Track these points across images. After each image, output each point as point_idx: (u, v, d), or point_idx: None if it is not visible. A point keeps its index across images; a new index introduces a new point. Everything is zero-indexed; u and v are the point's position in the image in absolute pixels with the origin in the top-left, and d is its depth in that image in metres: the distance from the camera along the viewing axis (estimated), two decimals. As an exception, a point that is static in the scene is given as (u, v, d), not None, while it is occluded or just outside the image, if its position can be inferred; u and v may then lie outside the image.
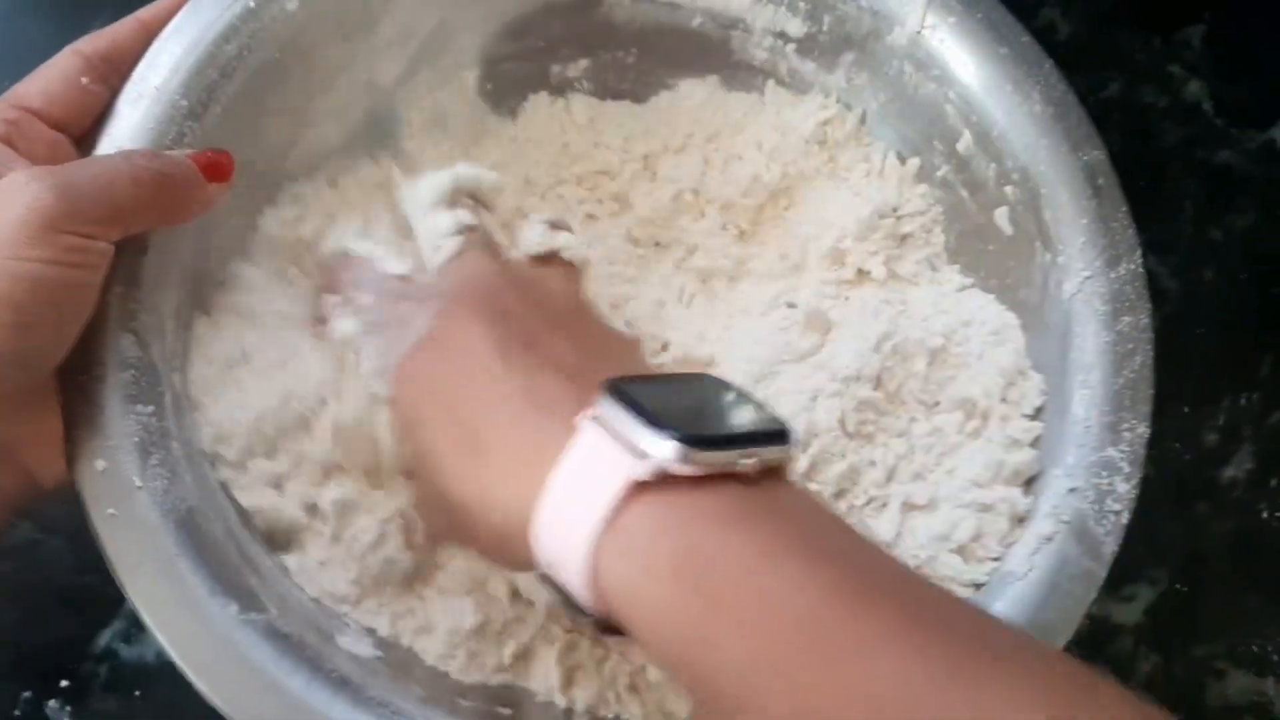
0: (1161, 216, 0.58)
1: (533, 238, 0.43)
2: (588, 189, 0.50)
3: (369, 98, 0.48)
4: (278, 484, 0.41)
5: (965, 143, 0.47)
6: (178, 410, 0.39)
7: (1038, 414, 0.44)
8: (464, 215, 0.42)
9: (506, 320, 0.37)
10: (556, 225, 0.44)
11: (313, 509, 0.41)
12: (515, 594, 0.41)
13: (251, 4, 0.43)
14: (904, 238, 0.49)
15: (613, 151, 0.50)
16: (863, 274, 0.48)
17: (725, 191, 0.49)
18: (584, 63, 0.52)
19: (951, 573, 0.42)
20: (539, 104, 0.51)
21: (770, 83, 0.51)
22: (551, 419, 0.33)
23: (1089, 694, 0.26)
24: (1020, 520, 0.42)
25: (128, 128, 0.40)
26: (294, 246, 0.45)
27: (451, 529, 0.39)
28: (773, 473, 0.31)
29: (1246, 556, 0.53)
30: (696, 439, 0.29)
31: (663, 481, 0.29)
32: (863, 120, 0.51)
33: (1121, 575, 0.51)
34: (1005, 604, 0.39)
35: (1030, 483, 0.43)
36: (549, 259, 0.43)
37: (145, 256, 0.40)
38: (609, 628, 0.31)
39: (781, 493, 0.31)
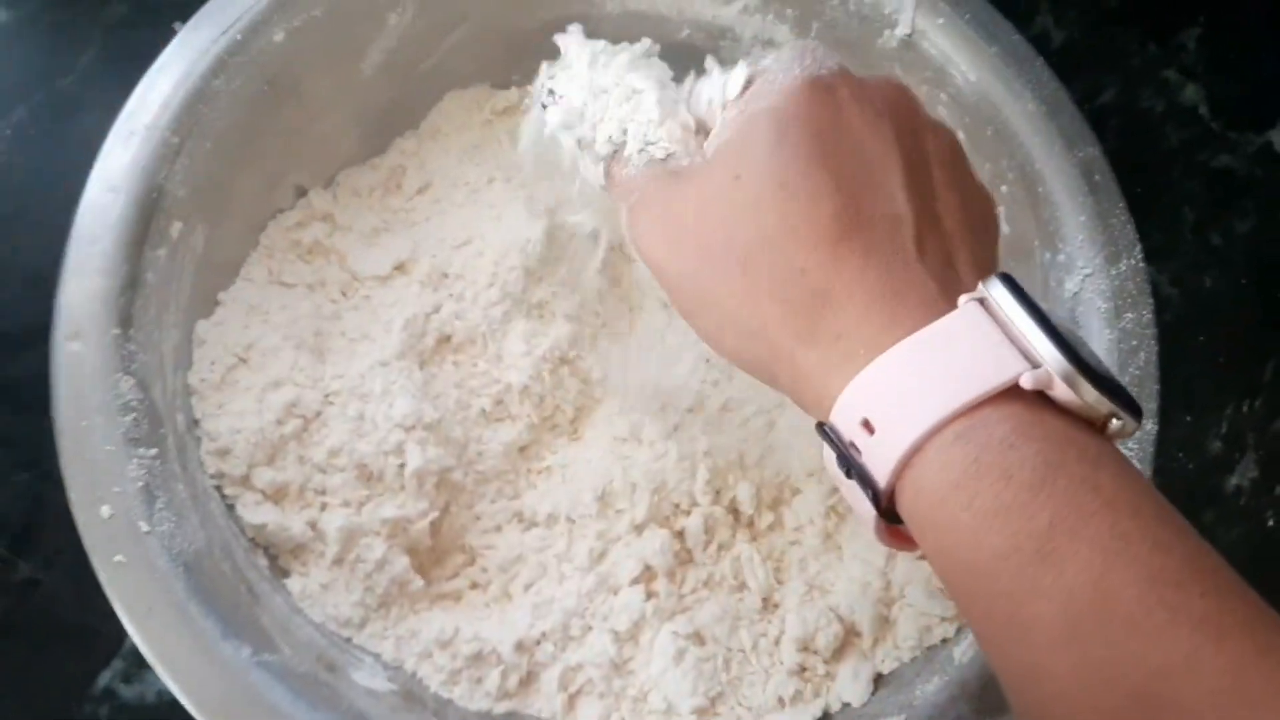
0: (1161, 222, 0.58)
1: None
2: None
3: (367, 114, 0.49)
4: (282, 495, 0.41)
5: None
6: (181, 449, 0.39)
7: None
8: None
9: (913, 137, 0.33)
10: None
11: (316, 528, 0.41)
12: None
13: (238, 37, 0.43)
14: None
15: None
16: None
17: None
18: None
19: None
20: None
21: None
22: (938, 272, 0.30)
23: None
24: None
25: (119, 166, 0.41)
26: (294, 248, 0.46)
27: (722, 282, 0.32)
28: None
29: (1254, 565, 0.52)
30: (1092, 371, 0.27)
31: (1025, 398, 0.27)
32: None
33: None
34: None
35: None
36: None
37: (140, 296, 0.40)
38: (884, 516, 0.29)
39: (1130, 464, 0.28)
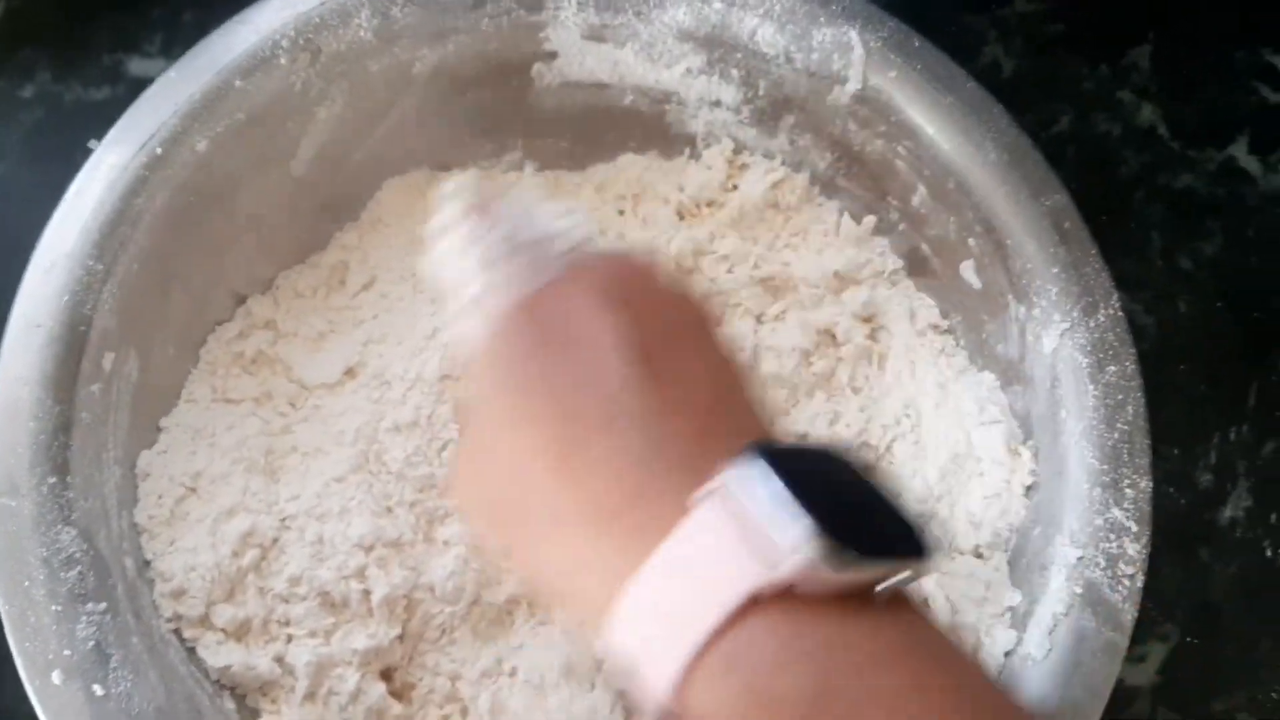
0: (1129, 250, 0.58)
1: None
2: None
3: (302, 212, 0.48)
4: (245, 631, 0.39)
5: (920, 197, 0.47)
6: (133, 597, 0.38)
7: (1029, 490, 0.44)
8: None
9: (653, 318, 0.30)
10: None
11: (284, 663, 0.39)
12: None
13: (158, 150, 0.42)
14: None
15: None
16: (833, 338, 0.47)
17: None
18: (519, 153, 0.51)
19: None
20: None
21: (713, 150, 0.51)
22: (670, 473, 0.27)
23: None
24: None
25: (41, 300, 0.39)
26: (237, 360, 0.45)
27: (514, 544, 0.31)
28: (903, 599, 0.27)
29: (1256, 599, 0.52)
30: (846, 539, 0.25)
31: (787, 595, 0.25)
32: (812, 181, 0.50)
33: (1131, 635, 0.50)
34: (1030, 687, 0.38)
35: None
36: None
37: (75, 438, 0.38)
38: None
39: (914, 627, 0.27)
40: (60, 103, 0.55)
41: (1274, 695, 0.49)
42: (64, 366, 0.39)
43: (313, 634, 0.40)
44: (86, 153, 0.42)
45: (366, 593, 0.40)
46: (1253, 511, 0.53)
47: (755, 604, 0.25)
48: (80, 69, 0.56)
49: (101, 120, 0.43)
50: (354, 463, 0.42)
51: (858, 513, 0.27)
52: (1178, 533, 0.52)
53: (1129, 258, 0.57)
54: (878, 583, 0.26)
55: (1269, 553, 0.52)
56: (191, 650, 0.39)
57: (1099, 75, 0.62)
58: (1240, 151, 0.60)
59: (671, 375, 0.29)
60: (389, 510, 0.42)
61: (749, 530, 0.25)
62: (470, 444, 0.32)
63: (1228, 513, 0.53)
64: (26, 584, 0.36)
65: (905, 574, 0.26)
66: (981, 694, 0.27)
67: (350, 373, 0.45)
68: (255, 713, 0.39)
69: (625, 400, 0.28)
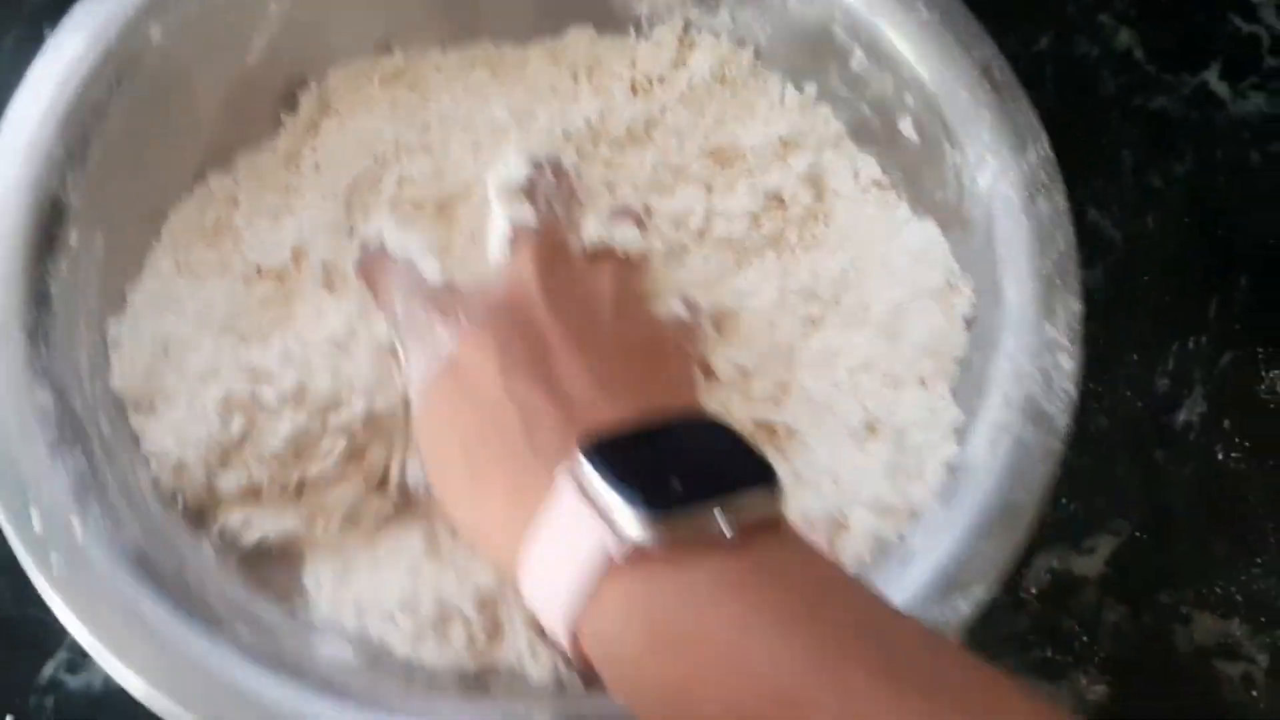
0: (1101, 168, 0.59)
1: (589, 231, 0.43)
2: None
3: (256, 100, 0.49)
4: (254, 496, 0.41)
5: (858, 60, 0.49)
6: (109, 456, 0.39)
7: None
8: (523, 213, 0.42)
9: (522, 339, 0.37)
10: (621, 215, 0.44)
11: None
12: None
13: (114, 42, 0.43)
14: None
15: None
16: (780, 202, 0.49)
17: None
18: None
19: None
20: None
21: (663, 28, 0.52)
22: (541, 461, 0.33)
23: None
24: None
25: (6, 181, 0.41)
26: (199, 234, 0.46)
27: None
28: (765, 528, 0.30)
29: (1206, 500, 0.53)
30: (665, 500, 0.29)
31: (640, 555, 0.29)
32: (757, 55, 0.52)
33: (1082, 527, 0.52)
34: (970, 495, 0.40)
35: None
36: (604, 254, 0.43)
37: (45, 309, 0.40)
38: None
39: (769, 553, 0.30)
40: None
41: (1218, 591, 0.51)
42: (31, 243, 0.40)
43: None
44: (40, 40, 0.43)
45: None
46: (1207, 417, 0.54)
47: (616, 568, 0.29)
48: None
49: (56, 9, 0.44)
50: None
51: (686, 481, 0.30)
52: (1133, 434, 0.54)
53: (1100, 175, 0.59)
54: (722, 528, 0.29)
55: (1220, 456, 0.53)
56: (198, 521, 0.41)
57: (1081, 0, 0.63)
58: (1213, 77, 0.62)
59: (554, 379, 0.36)
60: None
61: (596, 504, 0.30)
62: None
63: (1183, 417, 0.54)
64: (3, 433, 0.37)
65: (753, 505, 0.30)
66: (815, 600, 0.29)
67: (299, 253, 0.46)
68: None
69: (508, 424, 0.35)
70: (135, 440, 0.41)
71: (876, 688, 0.26)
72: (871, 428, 0.43)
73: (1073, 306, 0.42)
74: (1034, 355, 0.41)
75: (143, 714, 0.39)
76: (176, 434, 0.40)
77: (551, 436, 0.34)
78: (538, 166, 0.43)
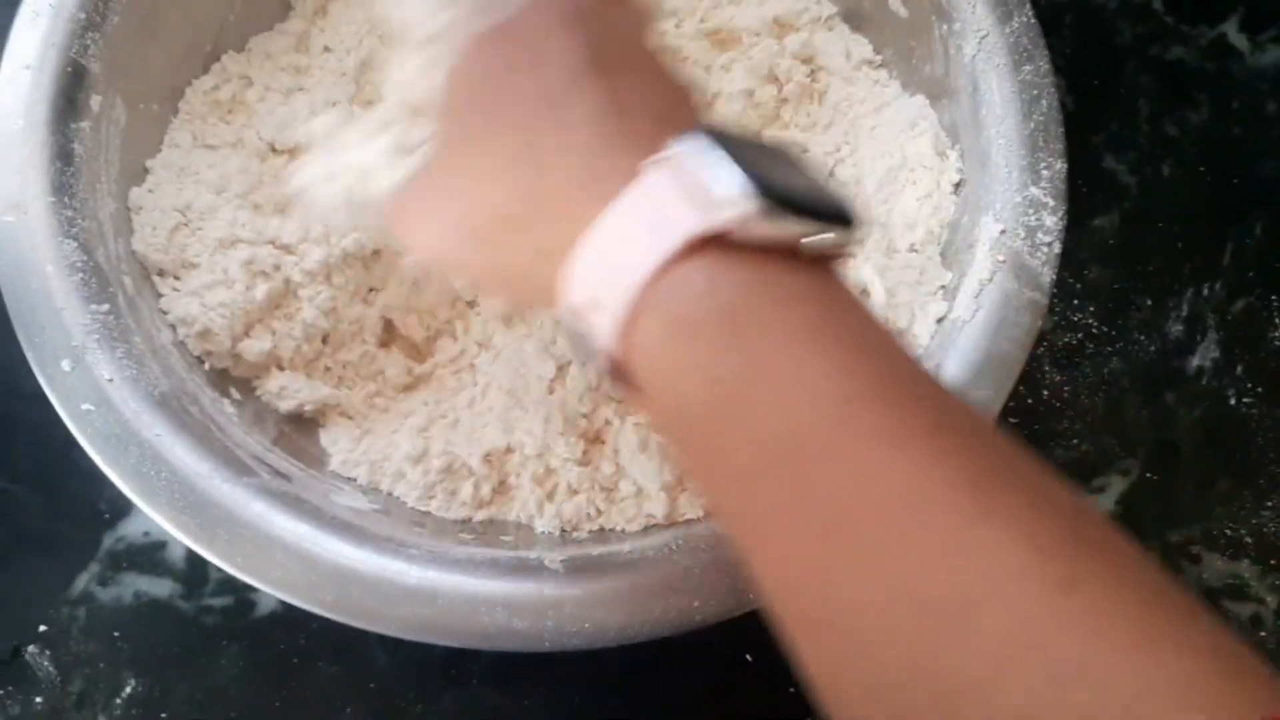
0: (1118, 115, 0.59)
1: None
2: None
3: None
4: (276, 362, 0.42)
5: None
6: (133, 309, 0.40)
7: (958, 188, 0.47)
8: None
9: (596, 42, 0.32)
10: None
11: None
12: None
13: None
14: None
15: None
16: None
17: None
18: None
19: None
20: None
21: None
22: (622, 153, 0.30)
23: (1084, 518, 0.26)
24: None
25: (31, 45, 0.41)
26: (214, 109, 0.47)
27: (475, 251, 0.34)
28: (825, 260, 0.30)
29: (1216, 442, 0.53)
30: (779, 196, 0.28)
31: (721, 244, 0.28)
32: None
33: (1093, 466, 0.52)
34: (959, 347, 0.41)
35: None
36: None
37: (70, 166, 0.40)
38: (620, 380, 0.31)
39: (833, 283, 0.30)
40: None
41: (1227, 531, 0.51)
42: (54, 104, 0.40)
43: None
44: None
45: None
46: (1219, 362, 0.55)
47: (691, 250, 0.28)
48: None
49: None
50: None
51: (790, 183, 0.29)
52: (1145, 377, 0.54)
53: (1117, 122, 0.59)
54: (804, 240, 0.29)
55: (1232, 400, 0.54)
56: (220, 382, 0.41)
57: (1102, -51, 0.63)
58: (1231, 29, 0.62)
59: (628, 84, 0.32)
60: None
61: (690, 188, 0.28)
62: (426, 174, 0.34)
63: (1195, 361, 0.55)
64: (34, 286, 0.37)
65: (830, 236, 0.29)
66: (879, 339, 0.29)
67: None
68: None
69: (578, 104, 0.31)
70: (158, 304, 0.42)
71: (927, 421, 0.26)
72: (865, 291, 0.44)
73: (1056, 166, 0.43)
74: (1019, 213, 0.42)
75: (170, 624, 0.41)
76: (201, 299, 0.41)
77: (642, 126, 0.31)
78: None
